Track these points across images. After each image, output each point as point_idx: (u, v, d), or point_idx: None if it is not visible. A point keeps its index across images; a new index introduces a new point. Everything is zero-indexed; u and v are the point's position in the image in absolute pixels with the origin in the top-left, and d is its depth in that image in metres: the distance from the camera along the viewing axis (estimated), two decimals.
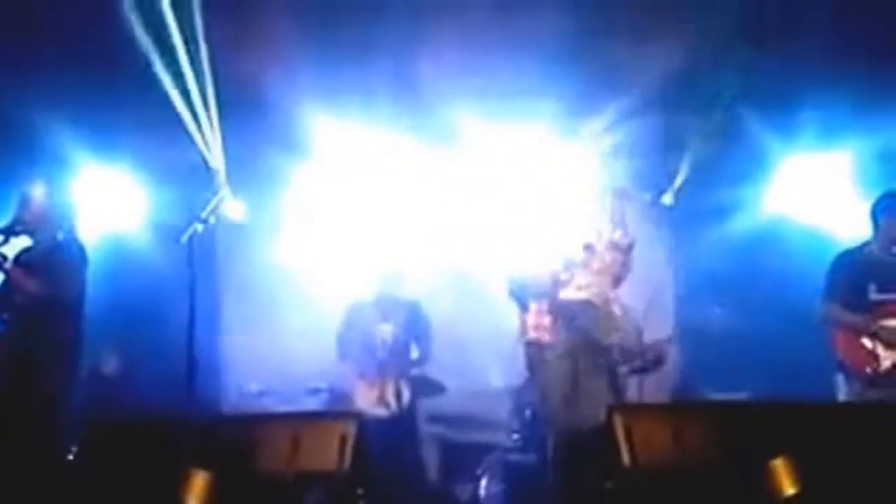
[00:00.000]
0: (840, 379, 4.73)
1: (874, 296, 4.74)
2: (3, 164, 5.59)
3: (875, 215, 4.86)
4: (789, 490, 2.97)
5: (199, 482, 2.98)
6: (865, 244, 4.90)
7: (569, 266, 4.37)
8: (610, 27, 5.62)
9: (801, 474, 2.97)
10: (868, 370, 4.67)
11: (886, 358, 4.67)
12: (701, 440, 3.08)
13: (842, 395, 4.71)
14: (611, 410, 3.28)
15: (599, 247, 4.40)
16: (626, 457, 3.06)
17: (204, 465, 3.02)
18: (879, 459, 3.06)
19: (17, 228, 4.48)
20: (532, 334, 4.33)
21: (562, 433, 4.13)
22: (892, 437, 3.12)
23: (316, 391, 5.78)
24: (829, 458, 3.02)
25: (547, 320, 4.30)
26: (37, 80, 5.43)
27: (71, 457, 3.77)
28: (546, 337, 4.28)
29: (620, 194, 4.56)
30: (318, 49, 5.66)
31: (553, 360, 4.22)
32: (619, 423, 3.13)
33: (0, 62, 5.26)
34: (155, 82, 5.64)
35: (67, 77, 5.52)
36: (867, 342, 4.70)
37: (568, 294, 4.33)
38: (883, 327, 4.68)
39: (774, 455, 3.02)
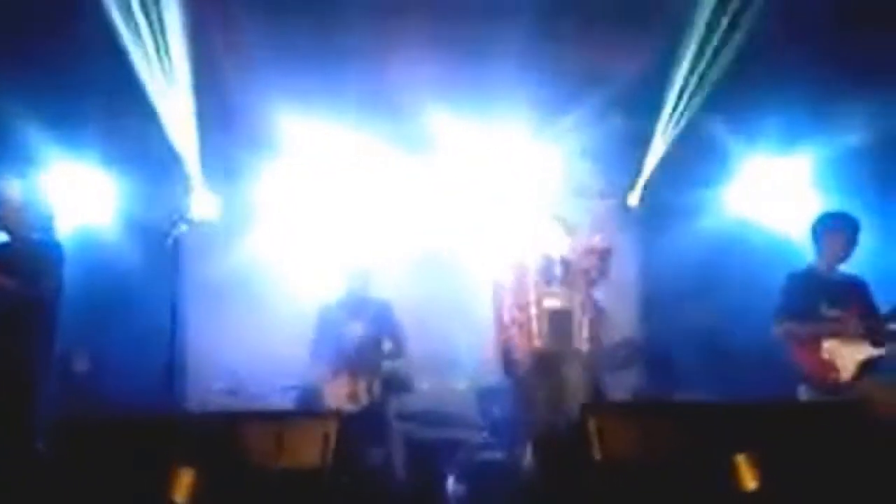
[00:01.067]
0: (803, 389, 4.90)
1: (826, 312, 4.93)
2: None
3: (817, 235, 5.06)
4: (750, 485, 3.14)
5: (185, 479, 3.01)
6: (811, 265, 5.11)
7: (546, 271, 4.43)
8: (577, 32, 5.75)
9: (761, 470, 3.14)
10: (829, 381, 4.83)
11: (845, 368, 4.84)
12: (668, 437, 3.23)
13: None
14: (584, 409, 3.42)
15: (573, 254, 4.46)
16: (597, 452, 3.19)
17: (190, 462, 3.05)
18: (832, 455, 3.24)
19: None
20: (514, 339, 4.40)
21: (542, 432, 4.21)
22: (844, 434, 3.32)
23: (286, 389, 5.78)
24: (787, 454, 3.18)
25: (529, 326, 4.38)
26: (2, 75, 5.39)
27: (45, 454, 3.75)
28: (528, 341, 4.36)
29: (601, 195, 4.64)
30: (290, 49, 5.70)
31: (534, 363, 4.30)
32: (591, 420, 3.27)
33: None
34: (126, 77, 5.63)
35: (35, 71, 5.49)
36: (826, 355, 4.87)
37: (547, 301, 4.40)
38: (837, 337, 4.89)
39: (736, 452, 3.18)
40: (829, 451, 3.21)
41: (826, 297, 4.95)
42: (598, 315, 4.48)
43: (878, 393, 4.67)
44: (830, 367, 4.86)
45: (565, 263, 4.45)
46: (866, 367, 4.82)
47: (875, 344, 4.82)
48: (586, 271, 4.41)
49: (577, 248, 4.47)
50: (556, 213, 4.67)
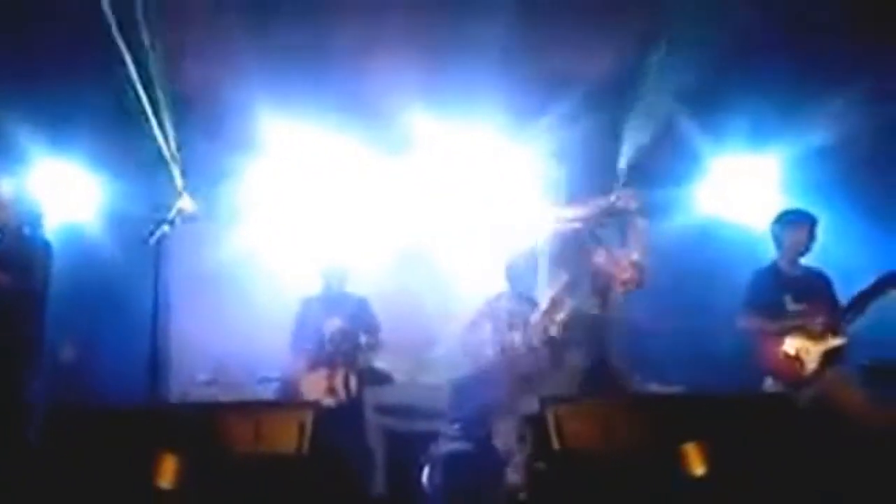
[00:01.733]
0: (769, 382, 5.10)
1: (791, 307, 5.16)
2: None
3: (778, 231, 5.28)
4: (698, 470, 3.35)
5: (169, 465, 3.15)
6: (774, 261, 5.32)
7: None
8: (554, 34, 5.90)
9: (709, 457, 3.36)
10: (794, 374, 5.04)
11: (810, 361, 5.04)
12: (622, 426, 3.45)
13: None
14: (543, 401, 3.64)
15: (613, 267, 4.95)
16: (555, 441, 3.40)
17: (174, 449, 3.20)
18: (775, 442, 3.46)
19: None
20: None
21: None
22: (786, 424, 3.58)
23: (266, 381, 5.92)
24: (733, 442, 3.40)
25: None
26: None
27: (37, 441, 3.87)
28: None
29: (640, 212, 4.99)
30: (272, 51, 5.80)
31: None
32: (550, 411, 3.49)
33: None
34: (112, 77, 5.72)
35: (22, 71, 5.57)
36: (790, 349, 5.08)
37: None
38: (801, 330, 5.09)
39: (686, 440, 3.40)
40: (769, 438, 3.42)
41: (790, 291, 5.17)
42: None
43: (840, 387, 4.91)
44: (795, 359, 5.06)
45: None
46: (829, 358, 5.02)
47: (836, 335, 5.02)
48: (625, 283, 4.89)
49: (619, 261, 4.92)
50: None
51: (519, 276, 5.76)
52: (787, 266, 5.27)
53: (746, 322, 5.22)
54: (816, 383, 5.00)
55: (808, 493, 3.31)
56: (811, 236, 5.21)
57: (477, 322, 5.68)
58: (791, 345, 5.10)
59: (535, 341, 5.24)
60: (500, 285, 5.84)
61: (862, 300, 5.04)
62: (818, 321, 5.07)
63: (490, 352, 5.55)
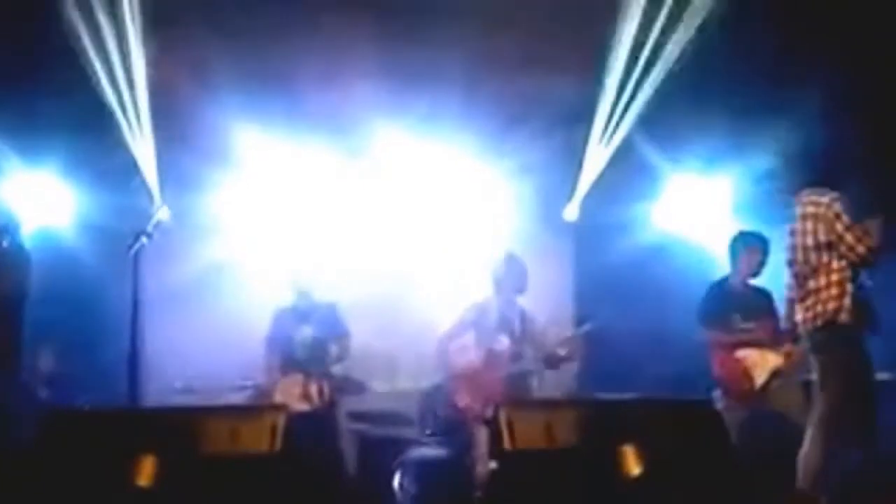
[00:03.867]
0: (717, 396, 5.33)
1: (739, 324, 5.43)
2: None
3: (734, 252, 5.54)
4: (635, 471, 3.62)
5: (147, 465, 3.37)
6: (726, 278, 5.59)
7: None
8: (522, 56, 6.16)
9: (645, 458, 3.63)
10: (744, 388, 5.31)
11: (759, 376, 5.31)
12: (567, 429, 3.71)
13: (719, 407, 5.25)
14: (496, 406, 3.91)
15: None
16: (507, 442, 3.66)
17: (152, 451, 3.41)
18: (703, 446, 3.78)
19: None
20: None
21: None
22: (712, 429, 3.91)
23: (242, 388, 6.06)
24: (667, 444, 3.68)
25: None
26: None
27: (20, 443, 4.03)
28: None
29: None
30: (246, 67, 6.01)
31: None
32: (503, 415, 3.74)
33: None
34: (87, 89, 5.88)
35: None
36: (742, 363, 5.34)
37: None
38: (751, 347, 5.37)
39: (624, 442, 3.67)
40: (698, 441, 3.73)
41: (739, 309, 5.45)
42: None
43: (789, 400, 5.15)
44: (746, 375, 5.32)
45: None
46: (775, 374, 5.29)
47: (781, 353, 5.26)
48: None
49: None
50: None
51: (504, 281, 5.89)
52: (738, 284, 5.54)
53: (703, 334, 5.47)
54: (765, 399, 5.27)
55: (734, 494, 3.59)
56: (765, 258, 5.48)
57: (458, 329, 5.85)
58: (743, 360, 5.36)
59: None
60: (474, 294, 6.02)
61: None
62: (764, 338, 5.35)
63: (473, 356, 5.76)
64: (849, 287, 4.23)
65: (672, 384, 5.93)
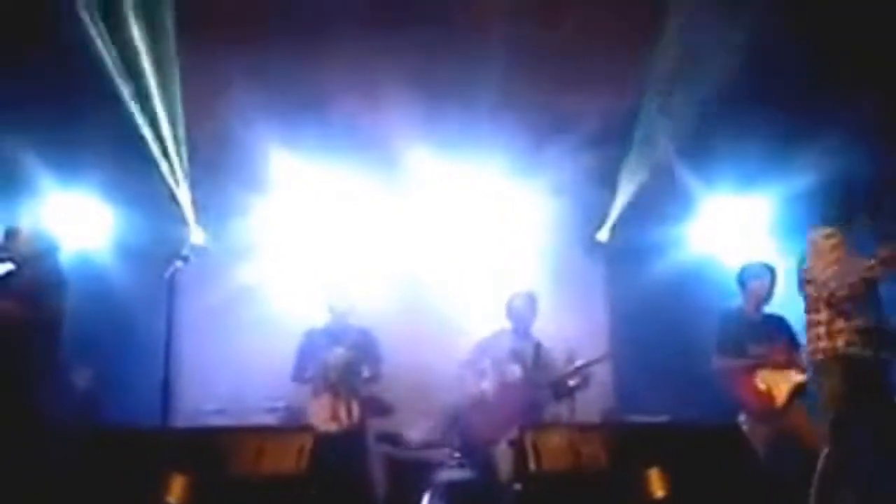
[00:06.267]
0: (742, 418, 5.42)
1: (753, 350, 5.56)
2: None
3: (743, 281, 5.71)
4: (659, 493, 3.63)
5: (178, 484, 3.39)
6: (739, 307, 5.74)
7: None
8: (553, 75, 6.16)
9: (670, 481, 3.63)
10: (766, 407, 5.41)
11: (780, 394, 5.42)
12: (592, 452, 3.73)
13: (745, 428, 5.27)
14: (521, 429, 3.95)
15: None
16: (532, 464, 3.68)
17: (182, 469, 3.43)
18: (729, 469, 3.78)
19: (2, 255, 4.78)
20: None
21: None
22: (736, 452, 3.91)
23: (273, 409, 6.11)
24: (693, 468, 3.69)
25: None
26: (5, 109, 5.65)
27: (54, 460, 4.09)
28: None
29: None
30: (279, 92, 6.06)
31: None
32: (528, 438, 3.78)
33: None
34: (125, 115, 5.98)
35: (35, 107, 5.75)
36: (761, 384, 5.47)
37: None
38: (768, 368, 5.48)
39: (649, 465, 3.67)
40: (723, 466, 3.73)
41: (751, 336, 5.59)
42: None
43: (806, 421, 5.19)
44: (766, 395, 5.44)
45: None
46: (795, 392, 5.39)
47: (799, 371, 5.38)
48: None
49: None
50: None
51: (519, 314, 6.05)
52: (751, 311, 5.71)
53: (718, 362, 5.60)
54: (785, 420, 5.35)
55: None
56: (772, 287, 5.66)
57: (474, 357, 5.95)
58: (762, 381, 5.49)
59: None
60: (499, 321, 6.11)
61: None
62: (780, 360, 5.48)
63: (487, 385, 5.80)
64: (841, 323, 4.30)
65: (706, 407, 5.85)
